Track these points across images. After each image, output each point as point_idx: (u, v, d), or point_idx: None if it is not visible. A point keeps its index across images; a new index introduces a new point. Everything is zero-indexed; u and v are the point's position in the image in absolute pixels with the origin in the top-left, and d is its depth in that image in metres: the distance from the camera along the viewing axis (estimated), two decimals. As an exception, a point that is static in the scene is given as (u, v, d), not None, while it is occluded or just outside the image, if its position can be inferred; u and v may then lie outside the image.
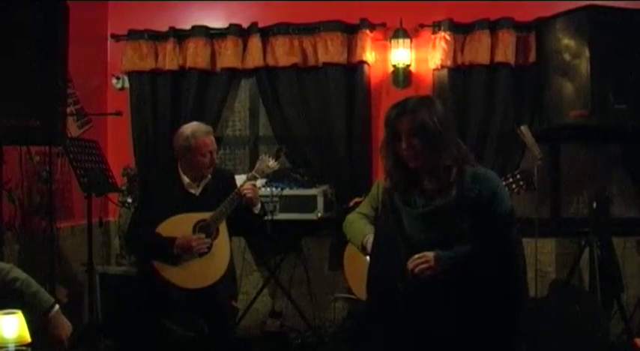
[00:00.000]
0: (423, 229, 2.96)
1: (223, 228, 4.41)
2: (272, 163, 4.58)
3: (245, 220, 4.51)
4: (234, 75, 6.09)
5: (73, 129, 5.51)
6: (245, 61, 5.95)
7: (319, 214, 5.44)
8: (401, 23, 5.79)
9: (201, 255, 4.33)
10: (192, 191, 4.49)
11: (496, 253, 2.91)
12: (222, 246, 4.40)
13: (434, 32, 5.78)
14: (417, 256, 2.89)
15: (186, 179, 4.48)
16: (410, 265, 2.88)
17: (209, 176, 4.51)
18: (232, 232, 4.53)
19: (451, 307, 2.86)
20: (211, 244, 4.36)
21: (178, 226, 4.34)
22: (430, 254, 2.87)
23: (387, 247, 3.05)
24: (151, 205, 4.46)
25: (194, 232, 4.36)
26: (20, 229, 4.84)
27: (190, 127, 4.50)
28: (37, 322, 3.09)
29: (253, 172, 4.53)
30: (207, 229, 4.37)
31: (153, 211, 4.41)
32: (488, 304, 2.86)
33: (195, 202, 4.45)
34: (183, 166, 4.50)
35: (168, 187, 4.48)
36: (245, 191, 4.38)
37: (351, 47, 5.85)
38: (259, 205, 4.53)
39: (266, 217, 4.89)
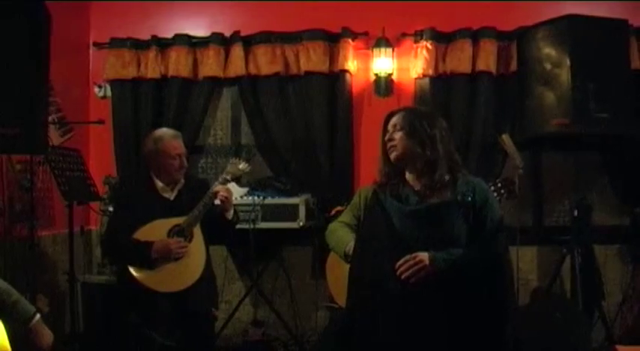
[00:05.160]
0: (416, 227, 2.97)
1: (198, 231, 4.38)
2: (243, 165, 4.58)
3: (217, 226, 4.49)
4: (217, 84, 6.07)
5: (55, 137, 5.47)
6: (227, 69, 5.94)
7: (301, 223, 5.42)
8: (383, 32, 5.81)
9: (176, 259, 4.30)
10: (167, 195, 4.47)
11: (483, 259, 2.95)
12: (198, 249, 4.37)
13: (416, 41, 5.81)
14: (408, 256, 2.88)
15: (159, 183, 4.47)
16: (401, 267, 2.88)
17: (182, 181, 4.50)
18: (209, 241, 4.50)
19: (440, 310, 2.85)
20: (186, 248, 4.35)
21: (153, 232, 4.31)
22: (423, 255, 2.87)
23: (374, 248, 3.03)
24: (126, 210, 4.44)
25: (169, 236, 4.34)
26: (1, 237, 4.81)
27: (158, 132, 4.52)
28: (17, 331, 3.07)
29: (224, 175, 4.52)
30: (182, 233, 4.35)
31: (129, 216, 4.39)
32: (475, 310, 2.87)
33: (170, 207, 4.42)
34: (155, 171, 4.49)
35: (143, 192, 4.46)
36: (219, 193, 4.35)
37: (333, 56, 5.86)
38: (232, 211, 4.50)
39: (248, 226, 4.86)
